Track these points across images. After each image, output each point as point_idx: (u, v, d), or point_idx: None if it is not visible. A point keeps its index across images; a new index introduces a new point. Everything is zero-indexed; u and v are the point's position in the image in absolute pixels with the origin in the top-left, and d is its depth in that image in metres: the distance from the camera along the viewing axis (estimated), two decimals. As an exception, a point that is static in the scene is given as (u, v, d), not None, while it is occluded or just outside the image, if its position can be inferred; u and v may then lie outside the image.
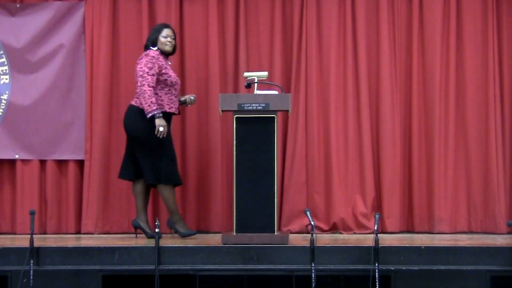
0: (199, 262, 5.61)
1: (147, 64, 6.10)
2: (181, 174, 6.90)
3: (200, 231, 6.83)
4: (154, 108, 6.02)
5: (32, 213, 5.54)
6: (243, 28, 6.91)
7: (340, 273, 5.51)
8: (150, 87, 6.04)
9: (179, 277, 5.54)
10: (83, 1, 6.94)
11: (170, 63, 6.33)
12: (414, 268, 5.52)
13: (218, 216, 6.84)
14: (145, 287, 5.49)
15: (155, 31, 6.32)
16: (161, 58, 6.21)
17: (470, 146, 6.86)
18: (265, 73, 6.06)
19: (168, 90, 6.19)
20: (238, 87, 6.88)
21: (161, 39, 6.27)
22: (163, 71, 6.16)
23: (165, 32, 6.29)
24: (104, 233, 6.82)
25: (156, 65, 6.12)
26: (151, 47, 6.25)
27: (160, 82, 6.16)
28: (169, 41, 6.27)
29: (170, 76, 6.19)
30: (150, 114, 6.02)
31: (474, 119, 6.86)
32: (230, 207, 6.35)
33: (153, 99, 6.03)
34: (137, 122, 6.14)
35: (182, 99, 6.43)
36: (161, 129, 6.00)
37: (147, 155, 6.16)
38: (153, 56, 6.15)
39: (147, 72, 6.06)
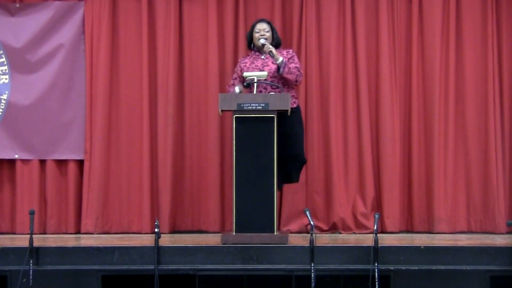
0: (198, 262, 5.61)
1: (235, 67, 6.33)
2: (180, 174, 6.93)
3: (199, 231, 6.85)
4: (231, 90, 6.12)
5: (31, 213, 5.54)
6: (242, 28, 6.90)
7: (339, 273, 5.51)
8: (229, 87, 6.27)
9: (179, 277, 5.54)
10: (82, 1, 6.93)
11: (264, 58, 6.19)
12: (414, 268, 5.52)
13: (217, 216, 6.84)
14: (145, 287, 5.50)
15: (250, 28, 6.33)
16: (247, 59, 6.25)
17: (470, 146, 6.85)
18: (265, 73, 6.05)
19: (250, 90, 6.06)
20: (237, 87, 6.89)
21: (255, 35, 6.25)
22: (244, 71, 6.15)
23: (257, 27, 6.25)
24: (104, 233, 6.82)
25: (239, 68, 6.24)
26: (251, 47, 6.30)
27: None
28: (261, 35, 6.19)
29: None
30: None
31: (473, 119, 6.86)
32: (230, 207, 6.35)
33: (231, 89, 6.13)
34: None
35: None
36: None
37: None
38: (238, 61, 6.34)
39: (233, 77, 6.35)
